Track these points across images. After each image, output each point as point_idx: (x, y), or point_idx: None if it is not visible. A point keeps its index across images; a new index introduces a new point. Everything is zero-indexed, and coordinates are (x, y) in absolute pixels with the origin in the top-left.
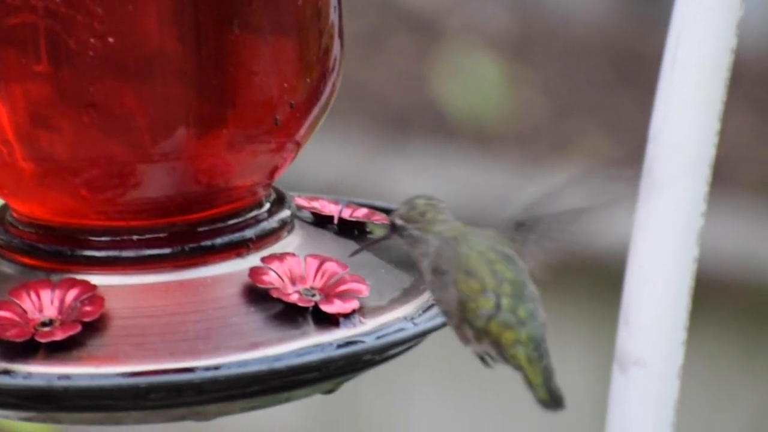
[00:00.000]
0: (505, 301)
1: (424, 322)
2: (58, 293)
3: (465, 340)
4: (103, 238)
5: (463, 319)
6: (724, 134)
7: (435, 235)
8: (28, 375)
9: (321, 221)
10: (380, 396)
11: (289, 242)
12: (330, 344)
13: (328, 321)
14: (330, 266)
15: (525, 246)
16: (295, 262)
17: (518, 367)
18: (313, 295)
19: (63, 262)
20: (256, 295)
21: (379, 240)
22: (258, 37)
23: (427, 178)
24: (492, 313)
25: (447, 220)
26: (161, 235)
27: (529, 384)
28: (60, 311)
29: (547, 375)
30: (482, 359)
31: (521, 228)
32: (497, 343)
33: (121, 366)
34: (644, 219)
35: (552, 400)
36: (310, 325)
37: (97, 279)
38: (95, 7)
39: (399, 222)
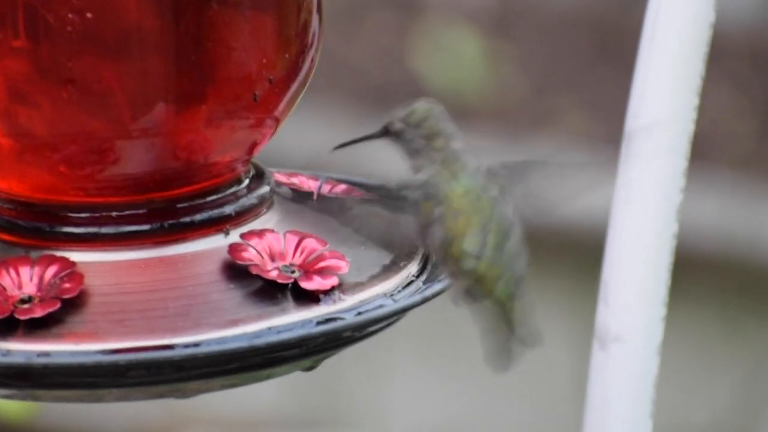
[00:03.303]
0: (491, 241)
1: (404, 299)
2: (37, 270)
3: (450, 275)
4: (82, 215)
5: (446, 257)
6: (704, 110)
7: (438, 156)
8: (8, 352)
9: (300, 197)
10: (360, 373)
11: (269, 218)
12: (310, 321)
13: (308, 298)
14: (309, 243)
15: (511, 189)
16: (275, 238)
17: (497, 303)
18: (293, 272)
19: (42, 238)
20: (236, 271)
21: (369, 138)
22: (236, 12)
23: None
24: (476, 254)
25: (448, 134)
26: (140, 211)
27: (507, 320)
28: (39, 288)
29: (525, 314)
30: (455, 301)
31: (508, 172)
32: (478, 282)
33: (101, 343)
34: (623, 194)
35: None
36: (290, 302)
37: (76, 256)
38: None
39: (398, 125)
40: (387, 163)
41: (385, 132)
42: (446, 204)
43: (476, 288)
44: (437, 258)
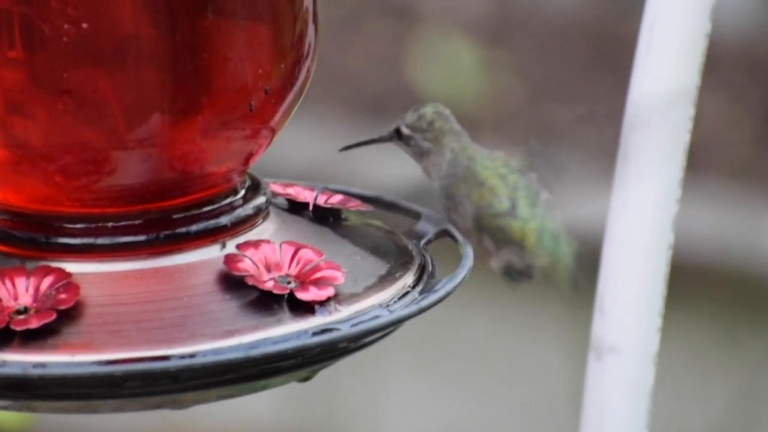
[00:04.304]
0: (521, 202)
1: (400, 310)
2: (33, 281)
3: (487, 253)
4: (77, 226)
5: (482, 230)
6: (699, 119)
7: (446, 151)
8: (3, 363)
9: (296, 208)
10: (356, 384)
11: (265, 229)
12: (305, 332)
13: (304, 308)
14: (305, 253)
15: (538, 171)
16: (271, 249)
17: (547, 255)
18: (289, 283)
19: (38, 249)
20: (232, 282)
21: (378, 141)
22: (232, 22)
23: (403, 163)
24: (509, 213)
25: (455, 132)
26: (136, 222)
27: (556, 272)
28: (35, 299)
29: (573, 259)
30: (507, 275)
31: (528, 156)
32: (521, 244)
33: (97, 354)
34: (620, 205)
35: (580, 282)
36: (286, 313)
37: (72, 266)
38: None
39: (406, 131)
40: (384, 173)
41: (393, 135)
42: (470, 180)
43: (520, 249)
44: (472, 241)
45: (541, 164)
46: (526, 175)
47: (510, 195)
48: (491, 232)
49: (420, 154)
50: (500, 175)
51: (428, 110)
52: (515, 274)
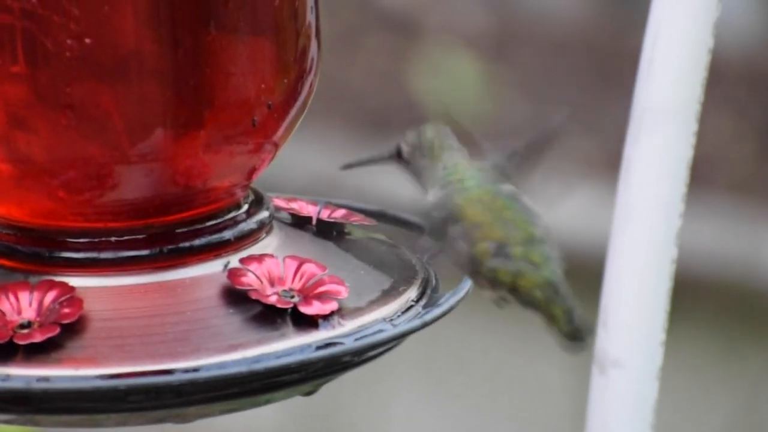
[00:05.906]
0: (517, 250)
1: (403, 324)
2: (36, 295)
3: (480, 287)
4: (81, 240)
5: (476, 271)
6: (703, 134)
7: (440, 166)
8: (7, 377)
9: (299, 222)
10: (360, 397)
11: (268, 243)
12: (309, 346)
13: (307, 322)
14: (309, 267)
15: (520, 175)
16: (274, 263)
17: (537, 308)
18: (292, 297)
19: (41, 263)
20: (235, 296)
21: (378, 160)
22: (235, 37)
23: (405, 178)
24: (503, 264)
25: (454, 149)
26: (139, 236)
27: (552, 322)
28: (38, 313)
29: (569, 311)
30: (497, 303)
31: (514, 157)
32: (514, 290)
33: (100, 368)
34: (622, 219)
35: (577, 335)
36: (289, 327)
37: (75, 281)
38: (72, 7)
39: (406, 149)
40: (386, 187)
41: (394, 155)
42: (464, 219)
43: (514, 296)
44: (467, 275)
45: (538, 179)
46: (520, 201)
47: (505, 238)
48: (486, 277)
49: (418, 171)
50: (494, 212)
51: (429, 130)
52: (505, 304)
